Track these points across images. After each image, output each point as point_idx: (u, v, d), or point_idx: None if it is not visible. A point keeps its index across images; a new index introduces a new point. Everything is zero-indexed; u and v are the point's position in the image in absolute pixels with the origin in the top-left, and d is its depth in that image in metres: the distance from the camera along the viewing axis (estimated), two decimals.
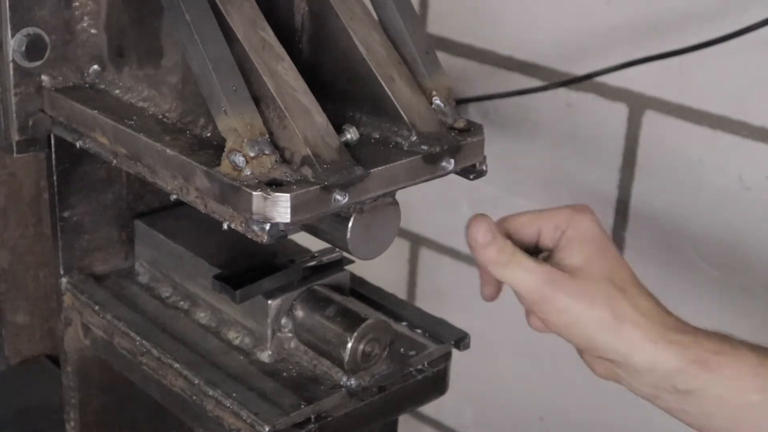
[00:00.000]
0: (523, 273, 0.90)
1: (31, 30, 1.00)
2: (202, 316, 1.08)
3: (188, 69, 0.91)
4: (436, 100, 0.96)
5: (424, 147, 0.92)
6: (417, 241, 1.71)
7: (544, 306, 0.90)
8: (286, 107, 0.86)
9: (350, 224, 0.90)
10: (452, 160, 0.94)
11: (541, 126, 1.50)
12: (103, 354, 1.12)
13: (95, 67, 1.05)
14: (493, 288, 0.98)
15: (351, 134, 0.91)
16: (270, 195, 0.83)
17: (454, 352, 1.06)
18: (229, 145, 0.86)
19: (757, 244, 1.33)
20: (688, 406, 0.89)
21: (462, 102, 1.50)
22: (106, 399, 1.17)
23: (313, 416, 0.96)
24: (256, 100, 0.87)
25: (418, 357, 1.03)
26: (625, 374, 0.91)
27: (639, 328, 0.89)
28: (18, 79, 1.01)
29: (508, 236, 0.92)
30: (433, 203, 1.65)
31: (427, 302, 1.67)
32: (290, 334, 1.02)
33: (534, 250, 0.94)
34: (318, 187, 0.84)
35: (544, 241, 0.94)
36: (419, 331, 1.07)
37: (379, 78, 0.93)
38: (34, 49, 1.00)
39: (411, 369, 1.03)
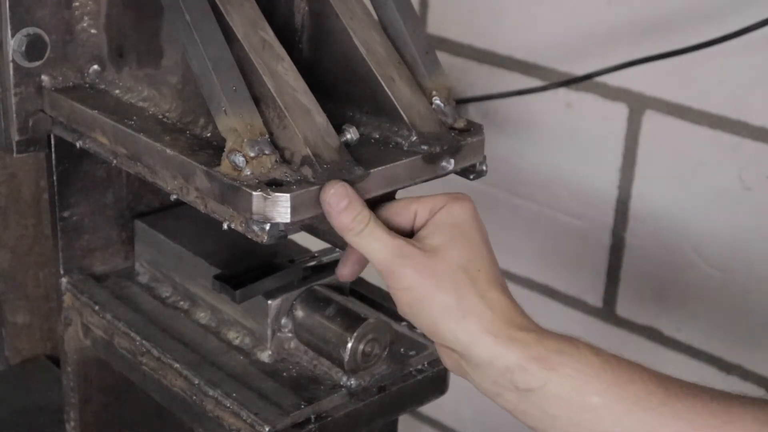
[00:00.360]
0: (376, 243, 0.87)
1: (31, 30, 1.00)
2: (202, 316, 1.08)
3: (188, 69, 0.91)
4: (436, 100, 0.96)
5: (424, 147, 0.92)
6: None
7: (393, 280, 0.87)
8: (286, 107, 0.86)
9: None
10: (452, 160, 0.94)
11: (541, 126, 1.50)
12: (103, 354, 1.12)
13: (95, 67, 1.05)
14: (350, 269, 0.95)
15: (351, 134, 0.91)
16: (270, 195, 0.83)
17: None
18: (229, 145, 0.86)
19: (757, 244, 1.33)
20: (530, 407, 0.87)
21: (462, 102, 1.50)
22: (106, 399, 1.17)
23: (313, 416, 0.96)
24: (256, 100, 0.87)
25: (418, 357, 1.03)
26: (468, 367, 0.89)
27: (481, 320, 0.87)
28: (18, 79, 1.01)
29: (386, 223, 0.90)
30: None
31: None
32: (290, 334, 1.02)
33: (410, 234, 0.92)
34: (318, 187, 0.84)
35: (418, 224, 0.91)
36: (419, 331, 1.07)
37: (379, 78, 0.93)
38: (34, 49, 1.00)
39: (411, 369, 1.03)
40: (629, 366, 0.87)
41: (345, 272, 0.94)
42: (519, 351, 0.86)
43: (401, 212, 0.90)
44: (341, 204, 0.86)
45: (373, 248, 0.87)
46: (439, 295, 0.86)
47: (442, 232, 0.89)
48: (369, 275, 1.14)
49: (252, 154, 0.84)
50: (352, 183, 0.86)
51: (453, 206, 0.90)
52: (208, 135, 0.93)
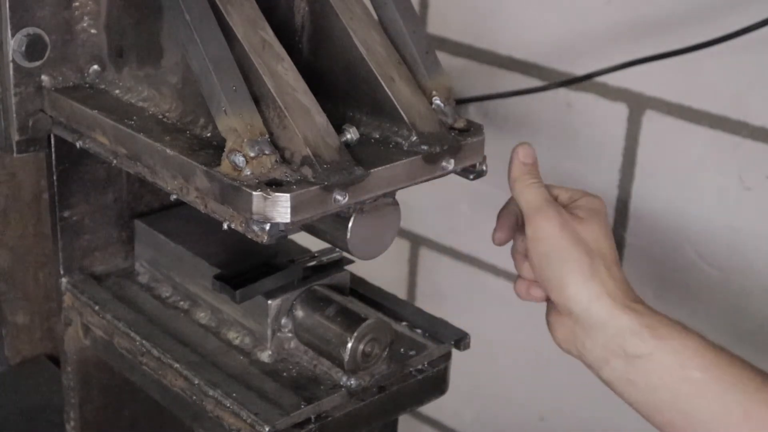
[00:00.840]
0: (535, 193, 0.98)
1: (31, 30, 1.00)
2: (202, 316, 1.08)
3: (188, 69, 0.91)
4: (436, 100, 0.96)
5: (424, 147, 0.92)
6: (417, 241, 1.71)
7: (537, 228, 0.96)
8: (286, 107, 0.86)
9: (350, 224, 0.90)
10: (452, 160, 0.94)
11: (541, 126, 1.50)
12: (103, 354, 1.12)
13: (95, 67, 1.05)
14: (504, 233, 1.05)
15: (351, 134, 0.91)
16: (270, 195, 0.83)
17: (454, 352, 1.06)
18: (229, 145, 0.86)
19: (757, 244, 1.33)
20: (634, 374, 0.94)
21: (462, 102, 1.50)
22: (106, 399, 1.17)
23: (313, 416, 0.96)
24: (256, 100, 0.87)
25: (418, 357, 1.03)
26: (581, 331, 0.96)
27: (604, 285, 0.95)
28: (18, 79, 1.01)
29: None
30: (433, 203, 1.65)
31: (427, 302, 1.67)
32: (290, 334, 1.02)
33: None
34: (318, 187, 0.84)
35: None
36: (419, 331, 1.07)
37: (379, 78, 0.93)
38: (34, 49, 1.00)
39: (411, 369, 1.03)
40: (729, 352, 0.94)
41: (501, 237, 1.04)
42: (633, 317, 0.94)
43: (537, 185, 1.00)
44: (528, 159, 1.00)
45: (530, 196, 0.98)
46: (575, 251, 0.95)
47: (583, 211, 0.99)
48: (369, 275, 1.14)
49: (252, 154, 0.84)
50: (352, 183, 0.86)
51: (592, 198, 1.02)
52: (208, 135, 0.93)
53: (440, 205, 1.65)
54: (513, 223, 1.04)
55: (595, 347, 0.95)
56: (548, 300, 1.01)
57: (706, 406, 0.91)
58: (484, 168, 0.98)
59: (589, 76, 1.39)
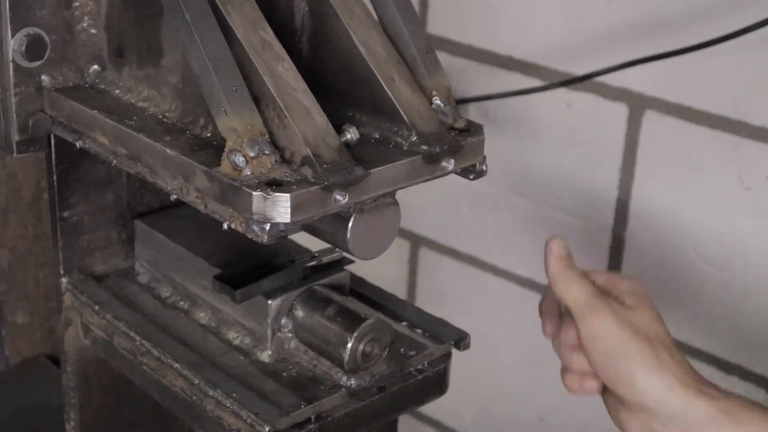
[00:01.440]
0: (578, 287, 0.96)
1: (31, 30, 1.00)
2: (202, 316, 1.08)
3: (188, 69, 0.91)
4: (436, 100, 0.96)
5: (424, 147, 0.92)
6: (417, 241, 1.71)
7: (591, 326, 0.94)
8: (286, 107, 0.86)
9: (350, 224, 0.90)
10: (452, 160, 0.94)
11: (541, 126, 1.50)
12: (103, 354, 1.12)
13: (95, 67, 1.05)
14: (553, 325, 1.03)
15: (351, 134, 0.91)
16: (270, 195, 0.83)
17: (454, 352, 1.06)
18: (229, 145, 0.86)
19: (757, 244, 1.33)
20: None
21: (462, 102, 1.50)
22: (106, 399, 1.17)
23: (313, 416, 0.96)
24: (256, 100, 0.87)
25: (418, 357, 1.03)
26: (658, 424, 0.94)
27: (674, 373, 0.93)
28: (18, 79, 1.01)
29: None
30: (433, 203, 1.65)
31: (427, 302, 1.67)
32: (290, 334, 1.02)
33: None
34: (318, 187, 0.84)
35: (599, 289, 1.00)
36: (419, 331, 1.07)
37: (379, 78, 0.93)
38: (34, 49, 1.00)
39: (411, 369, 1.03)
40: None
41: (551, 329, 1.03)
42: (710, 404, 0.92)
43: (579, 280, 0.98)
44: (561, 251, 0.98)
45: (576, 293, 0.96)
46: (637, 344, 0.93)
47: (630, 297, 0.97)
48: (369, 275, 1.14)
49: (252, 154, 0.84)
50: (352, 183, 0.86)
51: (632, 281, 1.00)
52: (208, 135, 0.93)
53: (440, 205, 1.65)
54: (557, 312, 1.02)
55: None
56: (605, 393, 1.00)
57: None
58: (484, 168, 0.97)
59: (589, 76, 1.39)
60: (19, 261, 1.41)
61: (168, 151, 0.91)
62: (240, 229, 0.86)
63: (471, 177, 0.98)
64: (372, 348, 0.98)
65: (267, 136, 0.86)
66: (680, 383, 0.93)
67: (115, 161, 0.98)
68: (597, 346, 0.95)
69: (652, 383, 0.93)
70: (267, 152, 0.85)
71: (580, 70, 1.41)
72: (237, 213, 0.85)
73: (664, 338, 0.96)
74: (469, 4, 1.53)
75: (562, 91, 1.45)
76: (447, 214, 1.65)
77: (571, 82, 1.42)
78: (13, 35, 0.99)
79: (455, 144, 0.94)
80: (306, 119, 0.87)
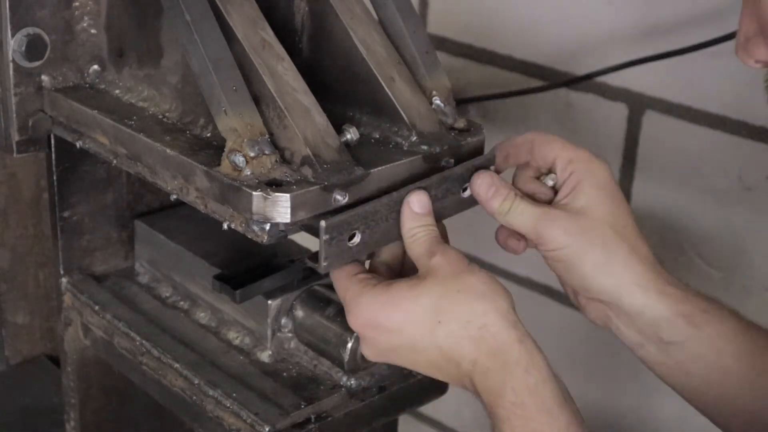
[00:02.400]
0: (523, 216, 0.92)
1: (31, 30, 1.00)
2: (202, 316, 1.08)
3: (188, 69, 0.91)
4: (436, 100, 0.96)
5: (424, 147, 0.92)
6: None
7: (543, 244, 0.92)
8: (286, 107, 0.86)
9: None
10: (452, 161, 0.94)
11: (541, 126, 1.49)
12: (103, 354, 1.12)
13: (95, 67, 1.05)
14: (511, 243, 0.99)
15: (351, 134, 0.91)
16: (270, 195, 0.83)
17: None
18: (229, 145, 0.86)
19: (757, 244, 1.33)
20: (668, 359, 0.93)
21: (462, 102, 1.50)
22: (106, 399, 1.17)
23: (313, 416, 0.96)
24: (256, 100, 0.87)
25: None
26: (615, 317, 0.94)
27: (632, 273, 0.92)
28: (18, 79, 1.01)
29: (530, 150, 0.96)
30: None
31: None
32: (290, 334, 1.02)
33: (546, 173, 0.97)
34: (318, 187, 0.84)
35: (556, 168, 0.96)
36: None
37: (379, 78, 0.93)
38: (34, 49, 1.00)
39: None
40: (766, 332, 0.91)
41: (513, 246, 0.98)
42: (667, 305, 0.92)
43: (545, 147, 0.96)
44: (489, 192, 0.93)
45: (521, 221, 0.93)
46: (589, 251, 0.91)
47: (584, 193, 0.93)
48: None
49: (252, 154, 0.84)
50: (352, 183, 0.86)
51: (593, 165, 0.94)
52: (208, 135, 0.93)
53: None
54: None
55: (629, 330, 0.94)
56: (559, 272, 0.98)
57: (740, 393, 0.91)
58: None
59: (589, 76, 1.39)
60: (19, 261, 1.41)
61: (168, 151, 0.91)
62: (240, 229, 0.86)
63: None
64: None
65: (267, 136, 0.86)
66: (637, 284, 0.92)
67: (115, 161, 0.98)
68: (552, 257, 0.93)
69: (607, 287, 0.92)
70: (267, 152, 0.85)
71: (580, 70, 1.41)
72: (237, 213, 0.85)
73: (624, 231, 0.93)
74: (469, 4, 1.53)
75: (562, 91, 1.45)
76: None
77: (571, 82, 1.42)
78: (13, 35, 0.99)
79: (455, 144, 0.94)
80: (306, 119, 0.87)
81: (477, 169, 0.94)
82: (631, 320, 0.93)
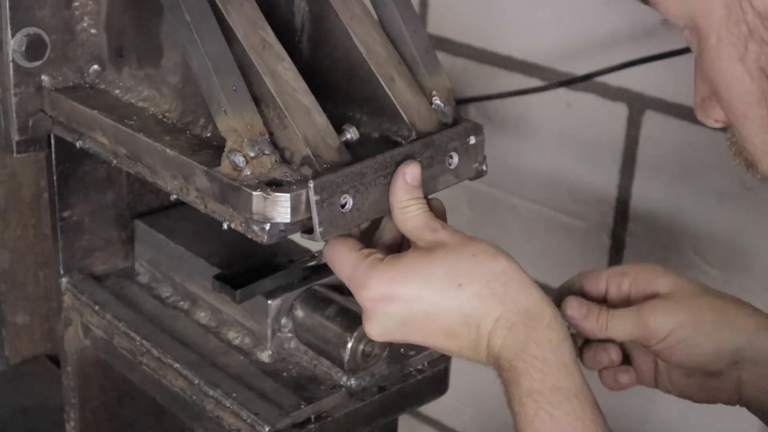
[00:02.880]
0: (622, 320, 0.94)
1: (31, 30, 1.00)
2: (202, 316, 1.08)
3: (188, 69, 0.91)
4: (436, 100, 0.96)
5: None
6: None
7: (653, 334, 0.92)
8: (286, 107, 0.86)
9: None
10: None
11: (541, 126, 1.50)
12: (103, 354, 1.12)
13: (95, 67, 1.05)
14: (613, 355, 1.00)
15: (351, 134, 0.91)
16: (270, 195, 0.83)
17: None
18: (229, 145, 0.86)
19: (757, 244, 1.33)
20: None
21: (462, 102, 1.50)
22: (106, 399, 1.17)
23: (313, 416, 0.96)
24: (256, 100, 0.87)
25: (418, 357, 1.03)
26: (752, 370, 0.92)
27: (750, 319, 0.92)
28: (18, 79, 1.01)
29: (582, 293, 0.98)
30: None
31: None
32: (290, 334, 1.02)
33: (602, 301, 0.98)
34: None
35: (611, 290, 0.98)
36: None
37: (379, 78, 0.93)
38: (34, 49, 1.00)
39: (411, 369, 1.03)
40: None
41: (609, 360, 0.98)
42: None
43: (589, 283, 0.98)
44: (581, 312, 0.94)
45: (622, 328, 0.93)
46: (702, 319, 0.92)
47: (662, 279, 0.96)
48: None
49: (252, 154, 0.84)
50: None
51: (646, 265, 0.99)
52: (208, 135, 0.93)
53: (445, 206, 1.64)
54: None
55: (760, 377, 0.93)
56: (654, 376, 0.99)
57: None
58: (484, 168, 0.97)
59: (589, 76, 1.39)
60: (19, 261, 1.41)
61: (168, 151, 0.91)
62: (240, 229, 0.86)
63: (471, 177, 0.98)
64: (372, 348, 0.98)
65: (267, 136, 0.86)
66: (763, 329, 0.91)
67: (115, 161, 0.98)
68: (672, 349, 0.92)
69: (734, 341, 0.91)
70: (267, 152, 0.85)
71: (580, 70, 1.41)
72: (237, 213, 0.85)
73: (713, 292, 0.94)
74: (469, 4, 1.53)
75: (562, 91, 1.45)
76: (447, 214, 1.65)
77: (571, 82, 1.42)
78: (13, 35, 0.99)
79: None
80: (306, 119, 0.87)
81: (462, 136, 0.94)
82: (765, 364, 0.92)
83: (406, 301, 0.85)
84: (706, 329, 0.92)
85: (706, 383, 0.95)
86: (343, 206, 0.85)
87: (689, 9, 0.74)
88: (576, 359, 0.84)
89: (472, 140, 0.94)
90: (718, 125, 0.81)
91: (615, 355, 0.97)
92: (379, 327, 0.87)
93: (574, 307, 0.94)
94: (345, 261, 0.88)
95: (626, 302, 0.96)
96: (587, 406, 0.82)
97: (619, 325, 0.93)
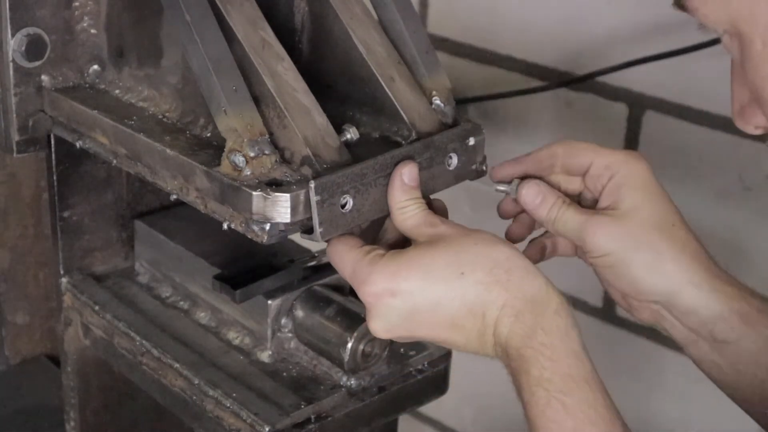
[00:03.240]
0: (571, 223, 0.92)
1: (31, 30, 1.00)
2: (202, 316, 1.08)
3: (188, 69, 0.91)
4: (436, 100, 0.96)
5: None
6: None
7: (591, 250, 0.92)
8: (286, 107, 0.86)
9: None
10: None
11: (541, 126, 1.50)
12: (103, 354, 1.12)
13: (95, 67, 1.05)
14: (523, 229, 1.00)
15: (351, 134, 0.91)
16: (270, 195, 0.83)
17: (454, 352, 1.06)
18: (229, 145, 0.86)
19: (757, 244, 1.33)
20: (721, 358, 0.91)
21: (462, 102, 1.50)
22: (106, 399, 1.17)
23: (313, 416, 0.96)
24: (256, 100, 0.87)
25: (418, 357, 1.03)
26: (668, 315, 0.93)
27: (684, 271, 0.91)
28: (18, 79, 1.01)
29: (555, 163, 0.96)
30: None
31: None
32: (290, 334, 1.02)
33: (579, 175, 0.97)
34: None
35: (592, 173, 0.95)
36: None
37: (379, 78, 0.93)
38: (34, 49, 1.00)
39: (411, 369, 1.03)
40: None
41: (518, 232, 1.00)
42: (722, 302, 0.90)
43: (580, 155, 0.95)
44: (537, 199, 0.93)
45: (568, 228, 0.92)
46: (637, 254, 0.91)
47: (628, 195, 0.93)
48: None
49: (252, 154, 0.84)
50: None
51: (631, 165, 0.93)
52: (208, 135, 0.93)
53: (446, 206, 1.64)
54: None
55: (681, 329, 0.93)
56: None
57: None
58: (484, 168, 0.98)
59: (589, 76, 1.39)
60: (19, 261, 1.41)
61: (168, 151, 0.91)
62: (240, 229, 0.86)
63: (471, 177, 0.98)
64: (372, 348, 0.98)
65: (267, 136, 0.86)
66: (691, 282, 0.91)
67: (115, 161, 0.98)
68: (601, 263, 0.92)
69: (659, 287, 0.91)
70: (267, 152, 0.85)
71: (580, 70, 1.41)
72: (237, 213, 0.85)
73: (673, 230, 0.92)
74: (469, 4, 1.53)
75: (562, 91, 1.45)
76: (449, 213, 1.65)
77: (571, 82, 1.42)
78: (13, 35, 0.99)
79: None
80: (306, 119, 0.87)
81: (462, 137, 0.94)
82: (684, 318, 0.92)
83: (410, 294, 0.84)
84: (638, 268, 0.91)
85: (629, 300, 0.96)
86: (343, 206, 0.85)
87: (731, 15, 0.73)
88: (585, 346, 0.83)
89: (472, 141, 0.94)
90: (759, 131, 0.80)
91: (536, 253, 0.98)
92: (384, 322, 0.86)
93: (530, 193, 0.94)
94: (347, 258, 0.87)
95: (599, 193, 0.95)
96: (599, 393, 0.81)
97: (565, 226, 0.92)
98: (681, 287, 0.91)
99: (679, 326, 0.93)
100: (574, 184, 0.97)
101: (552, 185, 0.96)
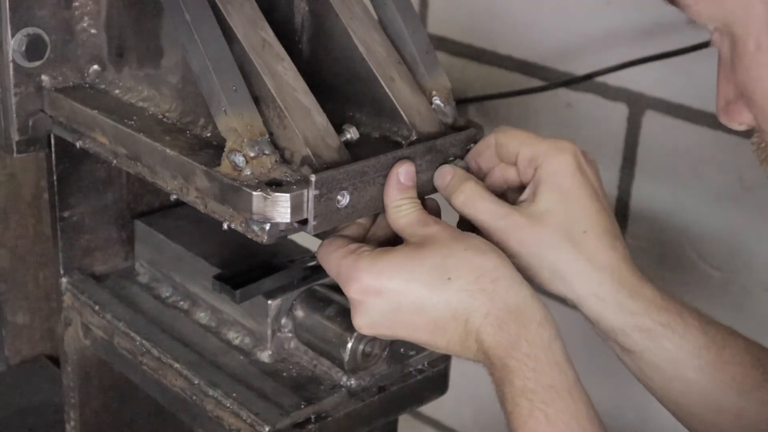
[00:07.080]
0: (482, 214, 0.90)
1: (31, 30, 1.00)
2: (202, 316, 1.08)
3: (188, 69, 0.91)
4: (436, 100, 0.96)
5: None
6: None
7: (501, 247, 0.90)
8: (286, 107, 0.86)
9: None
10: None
11: (541, 126, 1.50)
12: (103, 354, 1.12)
13: (95, 67, 1.05)
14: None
15: (351, 134, 0.91)
16: (270, 195, 0.83)
17: None
18: (229, 145, 0.86)
19: (757, 244, 1.33)
20: (628, 361, 0.92)
21: (462, 102, 1.50)
22: (106, 399, 1.17)
23: (313, 416, 0.96)
24: (256, 100, 0.87)
25: (418, 357, 1.03)
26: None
27: (588, 283, 0.90)
28: (18, 79, 1.01)
29: (496, 148, 0.94)
30: None
31: None
32: (290, 334, 1.02)
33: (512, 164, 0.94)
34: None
35: (519, 164, 0.93)
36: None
37: (379, 78, 0.93)
38: (34, 49, 1.00)
39: (411, 369, 1.03)
40: (735, 344, 0.90)
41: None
42: (624, 319, 0.90)
43: (510, 144, 0.93)
44: (446, 179, 0.92)
45: (481, 219, 0.90)
46: (543, 262, 0.89)
47: (546, 196, 0.90)
48: None
49: (252, 154, 0.84)
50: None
51: (553, 162, 0.90)
52: (208, 135, 0.93)
53: (440, 205, 1.64)
54: None
55: (595, 328, 0.93)
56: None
57: (698, 402, 0.90)
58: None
59: (589, 76, 1.39)
60: (19, 261, 1.41)
61: (168, 151, 0.91)
62: (240, 229, 0.86)
63: None
64: (372, 348, 0.98)
65: (267, 136, 0.86)
66: (593, 294, 0.90)
67: (115, 161, 0.98)
68: (518, 262, 0.90)
69: (565, 294, 0.91)
70: (267, 152, 0.85)
71: (580, 70, 1.41)
72: (237, 213, 0.85)
73: (583, 238, 0.90)
74: (469, 4, 1.53)
75: (562, 91, 1.45)
76: (447, 214, 1.65)
77: (571, 82, 1.42)
78: (13, 35, 0.99)
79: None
80: (306, 119, 0.87)
81: (464, 142, 0.94)
82: (593, 322, 0.92)
83: (394, 293, 0.85)
84: (542, 274, 0.90)
85: None
86: (339, 202, 0.85)
87: (725, 14, 0.73)
88: (568, 357, 0.84)
89: (473, 146, 0.95)
90: (743, 128, 0.80)
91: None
92: (366, 319, 0.86)
93: (443, 175, 0.92)
94: (333, 257, 0.88)
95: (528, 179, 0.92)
96: (582, 404, 0.82)
97: (478, 216, 0.90)
98: (584, 298, 0.91)
99: (592, 325, 0.93)
100: (513, 174, 0.94)
101: (495, 176, 0.94)
